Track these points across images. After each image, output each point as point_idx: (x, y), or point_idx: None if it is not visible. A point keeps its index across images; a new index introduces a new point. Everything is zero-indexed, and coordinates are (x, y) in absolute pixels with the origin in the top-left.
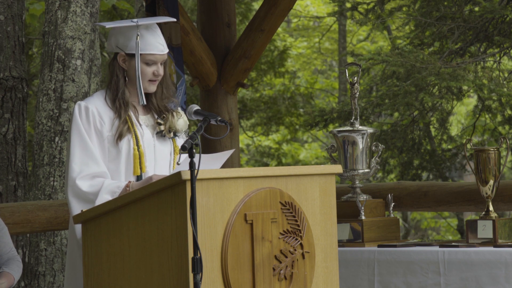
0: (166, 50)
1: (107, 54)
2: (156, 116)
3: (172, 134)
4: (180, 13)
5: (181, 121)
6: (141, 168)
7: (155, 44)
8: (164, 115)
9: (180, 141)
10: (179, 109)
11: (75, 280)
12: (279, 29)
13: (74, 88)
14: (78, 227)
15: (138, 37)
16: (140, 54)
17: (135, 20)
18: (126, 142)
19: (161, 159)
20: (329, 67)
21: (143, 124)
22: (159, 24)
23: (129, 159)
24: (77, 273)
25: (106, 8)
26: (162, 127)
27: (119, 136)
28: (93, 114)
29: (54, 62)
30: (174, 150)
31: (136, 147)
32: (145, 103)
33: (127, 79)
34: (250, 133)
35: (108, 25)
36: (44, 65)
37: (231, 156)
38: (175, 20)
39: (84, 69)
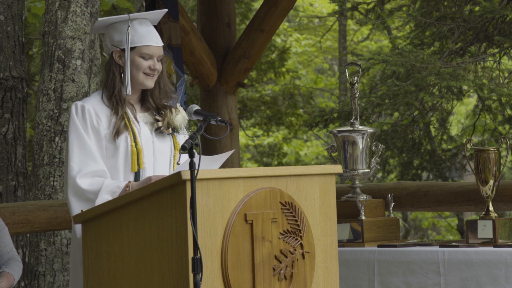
0: (161, 43)
1: (106, 54)
2: (154, 114)
3: (170, 130)
4: (180, 13)
5: (179, 116)
6: (138, 165)
7: (149, 35)
8: (162, 112)
9: (181, 137)
10: (178, 105)
11: (76, 280)
12: (281, 27)
13: (74, 88)
14: (78, 227)
15: (129, 28)
16: (136, 47)
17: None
18: (124, 139)
19: (161, 155)
20: (330, 67)
21: (141, 121)
22: (158, 24)
23: (127, 155)
24: (78, 273)
25: (106, 8)
26: (160, 123)
27: (117, 133)
28: (89, 112)
29: (54, 62)
30: (174, 146)
31: (133, 144)
32: (130, 93)
33: (123, 75)
34: (250, 132)
35: (101, 19)
36: (44, 65)
37: (231, 156)
38: (166, 10)
39: (84, 69)
